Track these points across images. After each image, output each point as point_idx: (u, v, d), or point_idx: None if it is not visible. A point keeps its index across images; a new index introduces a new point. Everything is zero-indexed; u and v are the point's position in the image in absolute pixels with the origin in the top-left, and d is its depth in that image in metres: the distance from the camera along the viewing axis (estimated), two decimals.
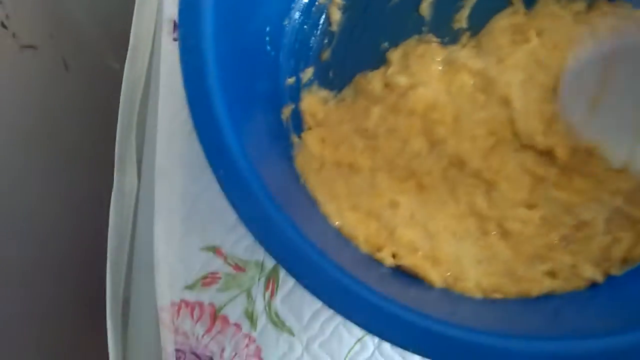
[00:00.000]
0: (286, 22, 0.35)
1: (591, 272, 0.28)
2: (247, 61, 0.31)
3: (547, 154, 0.32)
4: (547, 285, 0.29)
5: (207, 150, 0.25)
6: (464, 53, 0.34)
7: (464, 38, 0.35)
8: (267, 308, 0.34)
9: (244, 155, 0.26)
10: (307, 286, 0.25)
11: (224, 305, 0.34)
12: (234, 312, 0.34)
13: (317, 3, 0.36)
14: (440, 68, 0.34)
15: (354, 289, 0.25)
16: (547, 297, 0.29)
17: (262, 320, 0.34)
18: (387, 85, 0.34)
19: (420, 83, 0.33)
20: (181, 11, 0.26)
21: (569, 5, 0.35)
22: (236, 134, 0.26)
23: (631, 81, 0.29)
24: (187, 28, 0.26)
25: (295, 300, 0.34)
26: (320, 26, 0.36)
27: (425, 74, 0.33)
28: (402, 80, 0.34)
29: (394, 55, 0.35)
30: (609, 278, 0.29)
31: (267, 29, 0.33)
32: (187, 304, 0.35)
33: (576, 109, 0.31)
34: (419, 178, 0.32)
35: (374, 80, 0.35)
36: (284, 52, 0.35)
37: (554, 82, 0.32)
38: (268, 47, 0.33)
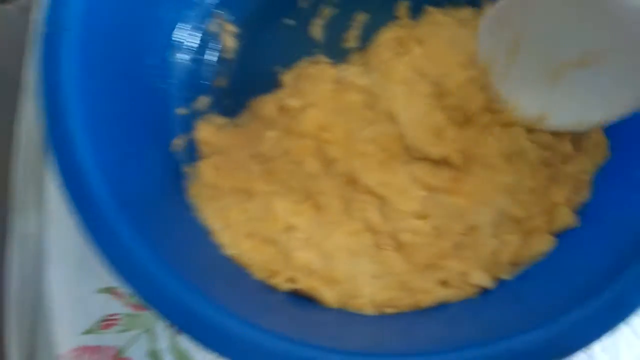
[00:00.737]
0: (173, 53, 0.35)
1: (479, 278, 0.28)
2: (124, 97, 0.30)
3: (442, 162, 0.32)
4: (439, 295, 0.28)
5: (71, 195, 0.24)
6: (351, 71, 0.34)
7: (354, 56, 0.35)
8: (171, 346, 0.33)
9: (114, 201, 0.25)
10: (185, 332, 0.24)
11: (127, 347, 0.33)
12: (138, 353, 0.33)
13: (207, 32, 0.36)
14: (330, 88, 0.34)
15: (232, 330, 0.23)
16: (441, 307, 0.28)
17: (167, 359, 0.33)
18: (281, 108, 0.34)
19: (310, 104, 0.33)
20: (43, 51, 0.26)
21: (454, 13, 0.35)
22: (104, 175, 0.25)
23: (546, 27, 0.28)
24: (47, 71, 0.25)
25: None
26: (214, 55, 0.36)
27: (316, 94, 0.33)
28: (293, 102, 0.34)
29: (287, 77, 0.35)
30: (501, 283, 0.29)
31: (151, 61, 0.33)
32: (87, 349, 0.33)
33: (494, 59, 0.30)
34: (315, 199, 0.32)
35: (268, 104, 0.34)
36: (174, 84, 0.34)
37: (436, 88, 0.32)
38: (154, 79, 0.33)
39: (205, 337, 0.24)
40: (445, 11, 0.36)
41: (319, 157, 0.32)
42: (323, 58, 0.36)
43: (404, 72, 0.33)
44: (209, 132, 0.34)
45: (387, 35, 0.34)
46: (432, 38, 0.34)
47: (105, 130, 0.27)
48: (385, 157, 0.32)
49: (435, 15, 0.35)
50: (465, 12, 0.35)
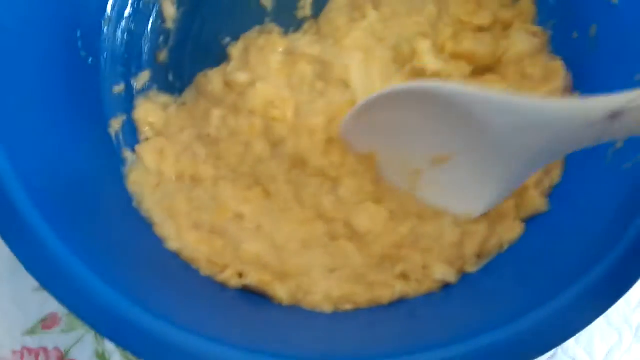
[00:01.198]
0: (105, 23, 0.31)
1: (442, 273, 0.26)
2: (51, 75, 0.27)
3: None
4: (399, 289, 0.26)
5: None
6: (303, 41, 0.31)
7: (307, 25, 0.32)
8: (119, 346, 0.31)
9: (27, 194, 0.22)
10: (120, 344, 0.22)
11: (71, 348, 0.31)
12: (83, 354, 0.31)
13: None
14: (280, 60, 0.30)
15: (169, 339, 0.21)
16: (400, 302, 0.26)
17: (115, 359, 0.31)
18: (228, 83, 0.31)
19: (259, 78, 0.30)
20: None
21: None
22: (15, 167, 0.22)
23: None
24: None
25: None
26: (152, 24, 0.32)
27: (265, 67, 0.30)
28: (241, 77, 0.30)
29: (235, 50, 0.32)
30: (465, 274, 0.27)
31: (78, 33, 0.29)
32: (29, 350, 0.31)
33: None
34: (264, 184, 0.29)
35: (214, 79, 0.31)
36: (107, 58, 0.31)
37: (395, 53, 0.30)
38: (82, 53, 0.29)
39: (137, 347, 0.22)
40: None
41: (267, 137, 0.29)
42: (274, 27, 0.32)
43: (360, 38, 0.30)
44: (150, 111, 0.31)
45: (342, 1, 0.31)
46: (389, 0, 0.31)
47: (26, 111, 0.24)
48: (333, 134, 0.29)
49: None
50: None
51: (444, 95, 0.25)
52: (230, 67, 0.31)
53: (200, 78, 0.32)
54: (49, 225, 0.22)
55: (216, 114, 0.30)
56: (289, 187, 0.29)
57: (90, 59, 0.30)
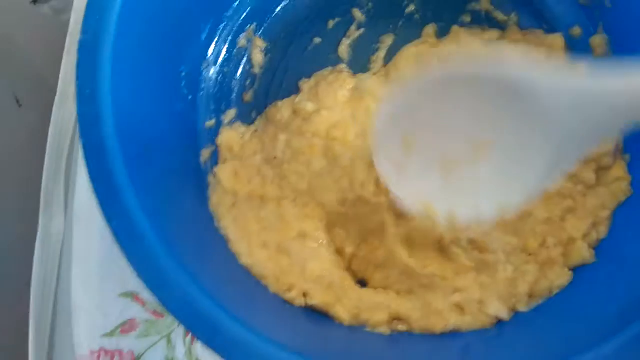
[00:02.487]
0: (204, 66, 0.36)
1: (496, 309, 0.28)
2: (157, 107, 0.31)
3: None
4: (453, 321, 0.28)
5: (101, 201, 0.25)
6: (371, 80, 0.34)
7: (375, 68, 0.36)
8: (188, 354, 0.33)
9: (141, 207, 0.25)
10: (208, 344, 0.24)
11: (144, 352, 0.34)
12: (155, 359, 0.33)
13: (237, 47, 0.37)
14: (347, 95, 0.34)
15: (250, 343, 0.24)
16: (454, 335, 0.28)
17: None
18: (295, 111, 0.34)
19: (325, 108, 0.33)
20: (79, 58, 0.27)
21: (480, 34, 0.36)
22: (133, 183, 0.26)
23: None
24: (83, 78, 0.26)
25: None
26: (242, 68, 0.37)
27: (332, 99, 0.34)
28: (308, 106, 0.34)
29: (306, 84, 0.36)
30: (516, 315, 0.29)
31: (183, 73, 0.34)
32: (106, 352, 0.34)
33: (389, 156, 0.28)
34: (319, 198, 0.31)
35: (283, 108, 0.35)
36: (203, 96, 0.35)
37: None
38: (185, 91, 0.34)
39: (224, 350, 0.24)
40: (471, 31, 0.36)
41: (326, 155, 0.32)
42: (344, 67, 0.36)
43: None
44: (231, 137, 0.35)
45: (410, 51, 0.35)
46: (454, 55, 0.34)
47: (138, 139, 0.28)
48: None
49: (460, 35, 0.36)
50: (491, 34, 0.36)
51: (488, 76, 0.24)
52: (299, 97, 0.35)
53: (271, 108, 0.35)
54: (159, 239, 0.25)
55: (282, 138, 0.33)
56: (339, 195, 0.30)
57: (190, 96, 0.34)
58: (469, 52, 0.29)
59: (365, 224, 0.31)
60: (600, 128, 0.23)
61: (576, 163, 0.25)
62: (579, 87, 0.23)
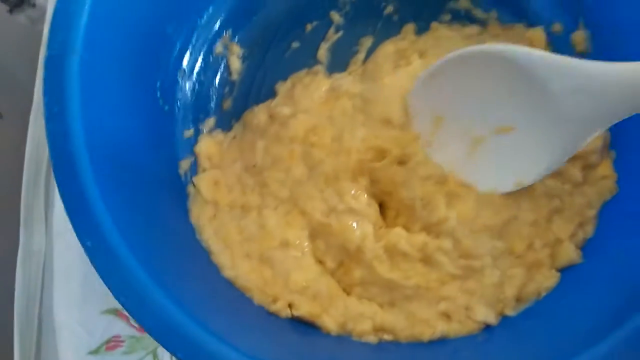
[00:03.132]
0: (180, 75, 0.35)
1: (484, 315, 0.28)
2: (131, 120, 0.30)
3: None
4: (440, 329, 0.28)
5: (73, 221, 0.24)
6: (346, 79, 0.34)
7: (352, 67, 0.35)
8: None
9: (116, 225, 0.25)
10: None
11: None
12: None
13: (214, 54, 0.36)
14: (323, 96, 0.33)
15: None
16: (442, 342, 0.28)
17: None
18: (271, 116, 0.34)
19: (301, 111, 0.33)
20: (46, 75, 0.26)
21: (460, 29, 0.35)
22: (106, 201, 0.25)
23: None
24: (50, 95, 0.26)
25: None
26: (220, 76, 0.36)
27: (308, 102, 0.33)
28: (285, 110, 0.33)
29: (282, 87, 0.35)
30: (504, 319, 0.28)
31: (158, 84, 0.33)
32: None
33: (422, 127, 0.31)
34: (301, 205, 0.31)
35: (260, 113, 0.34)
36: (180, 106, 0.35)
37: None
38: (160, 102, 0.33)
39: None
40: (451, 27, 0.35)
41: (305, 162, 0.32)
42: (320, 68, 0.35)
43: (402, 79, 0.32)
44: (210, 145, 0.34)
45: (388, 48, 0.34)
46: (435, 50, 0.33)
47: (110, 155, 0.27)
48: (373, 156, 0.31)
49: (440, 30, 0.35)
50: (471, 29, 0.35)
51: (509, 58, 0.27)
52: (275, 101, 0.34)
53: (247, 114, 0.35)
54: (136, 258, 0.25)
55: (260, 144, 0.33)
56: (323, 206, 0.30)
57: (166, 107, 0.34)
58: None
59: (345, 239, 0.30)
60: (602, 114, 0.25)
61: (580, 148, 0.27)
62: (580, 71, 0.25)
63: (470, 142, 0.30)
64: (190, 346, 0.24)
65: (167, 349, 0.24)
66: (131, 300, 0.24)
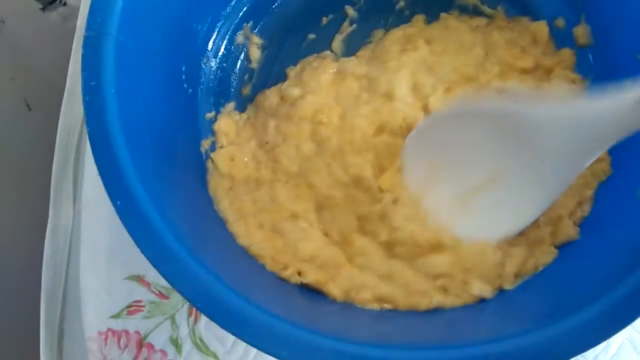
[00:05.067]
0: (204, 62, 0.38)
1: (480, 289, 0.29)
2: (159, 100, 0.33)
3: None
4: (436, 300, 0.29)
5: (106, 182, 0.27)
6: (353, 62, 0.36)
7: (361, 51, 0.37)
8: (191, 333, 0.35)
9: (144, 188, 0.27)
10: (207, 315, 0.26)
11: (149, 333, 0.35)
12: (159, 339, 0.35)
13: (235, 43, 0.39)
14: (330, 78, 0.35)
15: (249, 314, 0.25)
16: (438, 311, 0.29)
17: (187, 345, 0.35)
18: (282, 98, 0.36)
19: (310, 92, 0.35)
20: (84, 53, 0.29)
21: (468, 20, 0.37)
22: (136, 167, 0.27)
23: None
24: (88, 70, 0.28)
25: None
26: (240, 63, 0.39)
27: (316, 83, 0.35)
28: (294, 91, 0.36)
29: (292, 71, 0.38)
30: (500, 291, 0.30)
31: (183, 68, 0.35)
32: (113, 332, 0.36)
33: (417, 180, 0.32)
34: (309, 178, 0.33)
35: (271, 95, 0.37)
36: (203, 90, 0.37)
37: (440, 83, 0.34)
38: (185, 85, 0.36)
39: (226, 322, 0.25)
40: (459, 18, 0.37)
41: (314, 139, 0.34)
42: (329, 53, 0.38)
43: (407, 62, 0.34)
44: (227, 124, 0.37)
45: (397, 34, 0.36)
46: (442, 39, 0.35)
47: (140, 128, 0.30)
48: (375, 130, 0.33)
49: (448, 20, 0.37)
50: (479, 20, 0.37)
51: (496, 112, 0.28)
52: (285, 84, 0.37)
53: (259, 96, 0.37)
54: (161, 218, 0.27)
55: (272, 123, 0.35)
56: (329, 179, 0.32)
57: (190, 90, 0.36)
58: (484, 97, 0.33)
59: (349, 208, 0.32)
60: (594, 145, 0.26)
61: (574, 179, 0.28)
62: (569, 114, 0.26)
63: (464, 193, 0.31)
64: (211, 299, 0.25)
65: (189, 300, 0.26)
66: (156, 255, 0.26)
